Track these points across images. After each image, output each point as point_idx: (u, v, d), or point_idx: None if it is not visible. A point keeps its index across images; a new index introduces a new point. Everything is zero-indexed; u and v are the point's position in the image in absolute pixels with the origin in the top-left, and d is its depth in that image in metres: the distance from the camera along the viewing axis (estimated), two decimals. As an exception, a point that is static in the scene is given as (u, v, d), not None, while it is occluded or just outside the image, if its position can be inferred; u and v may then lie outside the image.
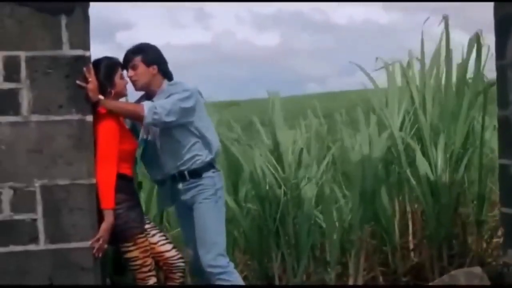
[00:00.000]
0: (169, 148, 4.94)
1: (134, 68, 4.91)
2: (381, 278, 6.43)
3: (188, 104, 4.86)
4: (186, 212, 5.02)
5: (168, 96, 4.86)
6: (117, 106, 4.74)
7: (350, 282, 6.19)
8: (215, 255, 4.91)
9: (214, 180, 4.98)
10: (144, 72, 4.92)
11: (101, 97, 4.60)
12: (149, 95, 4.97)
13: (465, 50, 6.67)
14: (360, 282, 6.21)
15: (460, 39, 6.65)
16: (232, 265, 5.00)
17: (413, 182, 6.51)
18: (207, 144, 4.96)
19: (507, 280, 5.22)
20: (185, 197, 4.98)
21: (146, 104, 4.78)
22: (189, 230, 5.03)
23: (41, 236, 4.42)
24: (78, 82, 4.45)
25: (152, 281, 4.79)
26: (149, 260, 4.78)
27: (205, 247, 4.92)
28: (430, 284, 5.91)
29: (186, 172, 4.95)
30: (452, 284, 5.48)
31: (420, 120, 6.61)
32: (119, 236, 4.68)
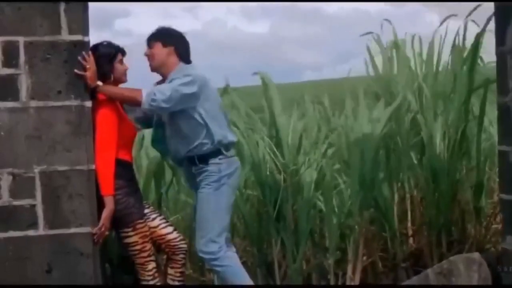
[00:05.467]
0: (177, 134, 4.93)
1: (150, 46, 4.90)
2: (380, 264, 6.44)
3: (190, 90, 4.79)
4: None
5: (171, 81, 4.84)
6: (114, 92, 4.73)
7: (349, 268, 6.19)
8: (206, 241, 4.90)
9: (220, 167, 4.94)
10: (159, 52, 4.90)
11: (99, 83, 4.60)
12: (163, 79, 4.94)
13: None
14: (359, 268, 6.22)
15: (453, 27, 6.61)
16: (224, 250, 4.93)
17: (418, 169, 6.52)
18: (210, 134, 4.91)
19: (505, 280, 5.23)
20: (197, 180, 4.98)
21: (145, 90, 4.76)
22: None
23: (40, 222, 4.44)
24: (76, 71, 4.44)
25: (151, 265, 4.81)
26: (148, 245, 4.80)
27: (199, 232, 4.94)
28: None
29: (195, 157, 4.93)
30: (446, 285, 5.49)
31: (420, 104, 6.60)
32: (119, 221, 4.69)
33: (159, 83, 4.95)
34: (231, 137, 5.05)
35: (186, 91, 4.78)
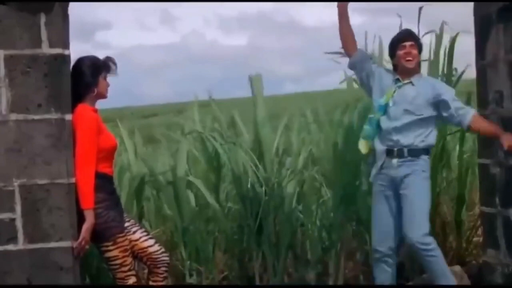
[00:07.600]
0: (408, 123, 5.14)
1: (413, 47, 5.23)
2: (361, 277, 6.44)
3: None
4: (388, 191, 5.19)
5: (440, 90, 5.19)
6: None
7: (330, 281, 6.19)
8: (423, 235, 5.04)
9: (427, 165, 5.19)
10: (417, 55, 5.26)
11: None
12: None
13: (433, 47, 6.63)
14: (340, 281, 6.22)
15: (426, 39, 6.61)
16: (434, 241, 5.11)
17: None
18: (434, 132, 5.21)
19: (498, 278, 5.24)
20: (396, 173, 5.14)
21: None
22: (384, 212, 5.22)
23: (20, 236, 4.40)
24: None
25: (131, 280, 4.77)
26: (129, 260, 4.76)
27: (415, 223, 5.06)
28: (411, 284, 5.93)
29: (405, 149, 5.12)
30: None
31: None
32: (99, 235, 4.65)
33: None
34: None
35: None
